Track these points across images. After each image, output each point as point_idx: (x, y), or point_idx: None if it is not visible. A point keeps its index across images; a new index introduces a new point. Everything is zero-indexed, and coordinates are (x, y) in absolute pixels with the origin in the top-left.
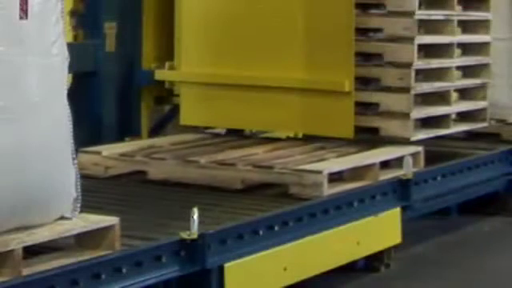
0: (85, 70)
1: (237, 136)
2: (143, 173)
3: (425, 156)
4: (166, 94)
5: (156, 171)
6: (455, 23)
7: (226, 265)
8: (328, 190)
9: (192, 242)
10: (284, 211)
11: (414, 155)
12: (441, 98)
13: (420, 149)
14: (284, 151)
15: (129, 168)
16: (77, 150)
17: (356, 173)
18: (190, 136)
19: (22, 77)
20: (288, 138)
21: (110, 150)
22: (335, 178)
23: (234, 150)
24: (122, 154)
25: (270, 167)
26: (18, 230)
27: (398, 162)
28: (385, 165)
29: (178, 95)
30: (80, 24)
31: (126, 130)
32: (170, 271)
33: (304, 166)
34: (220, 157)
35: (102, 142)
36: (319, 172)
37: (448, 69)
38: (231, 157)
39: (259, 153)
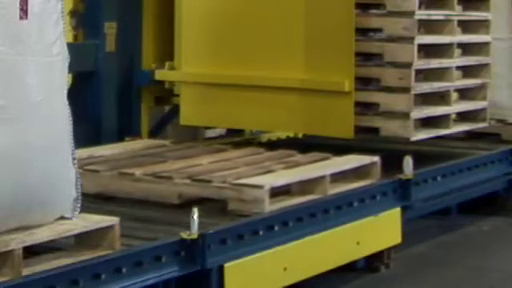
0: (85, 70)
1: (193, 142)
2: None
3: (425, 156)
4: (166, 94)
5: (89, 184)
6: (455, 23)
7: (226, 265)
8: (270, 206)
9: (192, 241)
10: (284, 211)
11: (371, 165)
12: (441, 98)
13: (376, 159)
14: (230, 162)
15: None
16: None
17: (304, 186)
18: (139, 144)
19: (22, 77)
20: (252, 144)
21: None
22: (282, 190)
23: (177, 160)
24: None
25: (208, 181)
26: (17, 230)
27: (354, 173)
28: (339, 176)
29: (178, 95)
30: (80, 24)
31: (126, 129)
32: (170, 271)
33: (245, 179)
34: (158, 168)
35: (102, 142)
36: (260, 187)
37: (448, 69)
38: (170, 169)
39: (203, 163)
